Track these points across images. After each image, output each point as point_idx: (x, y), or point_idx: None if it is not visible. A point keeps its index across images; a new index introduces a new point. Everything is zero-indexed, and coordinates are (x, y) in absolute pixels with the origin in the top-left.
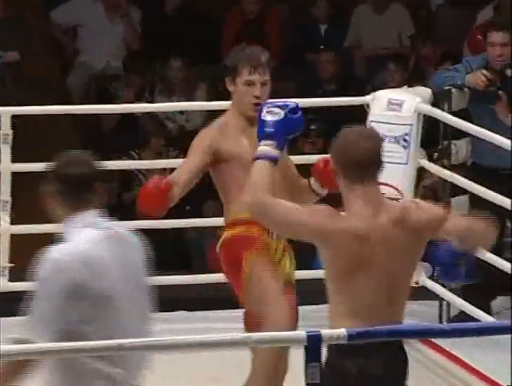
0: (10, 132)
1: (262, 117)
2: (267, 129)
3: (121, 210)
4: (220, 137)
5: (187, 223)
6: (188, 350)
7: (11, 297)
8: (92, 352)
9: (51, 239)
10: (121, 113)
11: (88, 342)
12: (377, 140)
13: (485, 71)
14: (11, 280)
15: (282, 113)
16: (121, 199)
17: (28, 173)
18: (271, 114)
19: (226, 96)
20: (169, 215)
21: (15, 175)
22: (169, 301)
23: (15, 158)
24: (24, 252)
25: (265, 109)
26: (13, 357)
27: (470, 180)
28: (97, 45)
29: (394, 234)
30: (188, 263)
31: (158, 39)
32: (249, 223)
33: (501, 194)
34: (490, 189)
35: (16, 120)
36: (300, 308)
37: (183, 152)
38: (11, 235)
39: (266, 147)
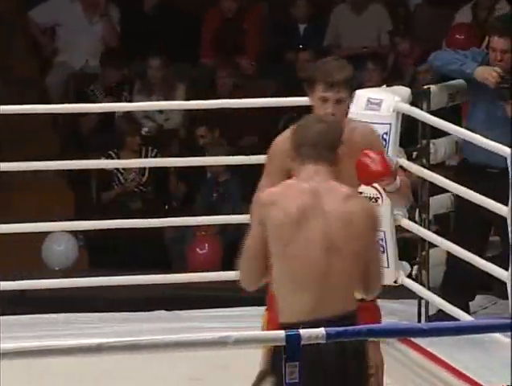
0: None
1: None
2: None
3: (100, 209)
4: None
5: (167, 222)
6: (168, 350)
7: None
8: (70, 353)
9: (29, 238)
10: (100, 113)
11: (66, 342)
12: (332, 125)
13: (497, 69)
14: None
15: None
16: (99, 199)
17: (7, 172)
18: None
19: (205, 95)
20: (148, 215)
21: None
22: (149, 300)
23: None
24: (1, 251)
25: None
26: None
27: (460, 177)
28: (75, 44)
29: (334, 214)
30: (168, 262)
31: (137, 38)
32: None
33: (490, 191)
34: (480, 186)
35: None
36: None
37: (161, 151)
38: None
39: None
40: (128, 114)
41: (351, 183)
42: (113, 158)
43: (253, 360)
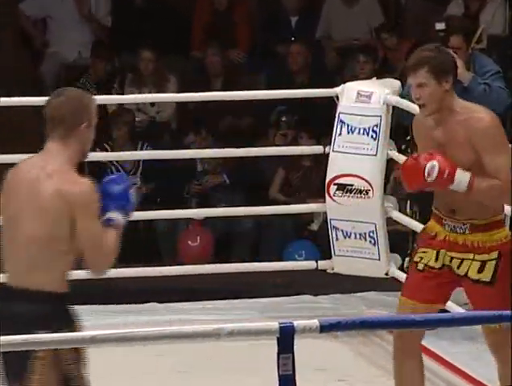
0: None
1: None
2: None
3: None
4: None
5: (158, 214)
6: (161, 341)
7: None
8: (64, 344)
9: None
10: None
11: (61, 334)
12: (71, 98)
13: None
14: None
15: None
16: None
17: (6, 164)
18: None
19: (195, 88)
20: (139, 207)
21: None
22: (140, 293)
23: None
24: None
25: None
26: None
27: None
28: (67, 36)
29: (41, 192)
30: (159, 255)
31: (128, 30)
32: None
33: None
34: None
35: None
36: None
37: (152, 143)
38: None
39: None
40: (121, 106)
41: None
42: (107, 151)
43: (238, 352)
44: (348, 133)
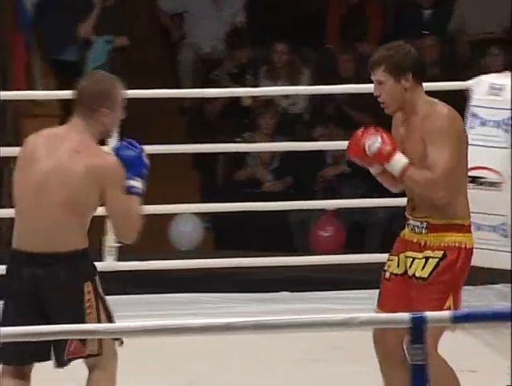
0: None
1: (143, 159)
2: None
3: (225, 192)
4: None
5: (291, 205)
6: (292, 330)
7: (117, 277)
8: (198, 332)
9: (160, 220)
10: (227, 97)
11: (194, 321)
12: (95, 82)
13: None
14: (118, 259)
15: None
16: (226, 181)
17: None
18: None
19: (329, 80)
20: (273, 198)
21: None
22: (273, 282)
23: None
24: None
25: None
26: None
27: None
28: (203, 30)
29: (69, 164)
30: (292, 245)
31: (262, 22)
32: None
33: None
34: None
35: (123, 103)
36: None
37: (287, 136)
38: None
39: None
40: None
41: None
42: (246, 141)
43: (368, 341)
44: (481, 126)
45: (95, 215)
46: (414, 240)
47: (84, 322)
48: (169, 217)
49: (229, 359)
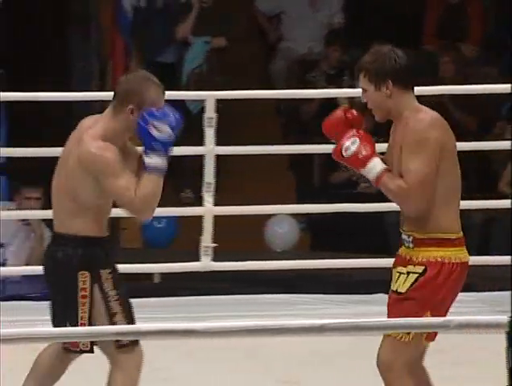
0: (215, 116)
1: (152, 133)
2: (157, 145)
3: (327, 190)
4: None
5: (388, 207)
6: (390, 332)
7: (214, 277)
8: (293, 333)
9: (256, 220)
10: (322, 98)
11: (289, 322)
12: (128, 80)
13: None
14: (214, 259)
15: (169, 130)
16: (328, 180)
17: (231, 155)
18: (159, 131)
19: (427, 81)
20: (370, 199)
21: (218, 158)
22: (368, 283)
23: (219, 142)
24: (226, 232)
25: (148, 124)
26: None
27: None
28: (300, 31)
29: (71, 151)
30: (387, 246)
31: (359, 24)
32: None
33: None
34: None
35: (220, 104)
36: None
37: (382, 137)
38: (214, 216)
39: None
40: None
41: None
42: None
43: (474, 345)
44: None
45: (188, 215)
46: (403, 255)
47: (76, 312)
48: (265, 218)
49: (324, 360)
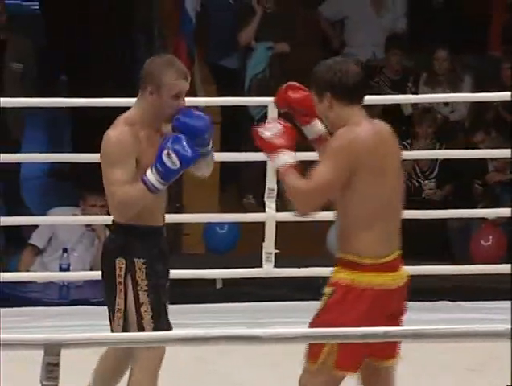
0: None
1: (163, 157)
2: (162, 169)
3: None
4: None
5: (452, 213)
6: (452, 340)
7: (276, 283)
8: (355, 339)
9: (314, 226)
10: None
11: (351, 329)
12: (147, 62)
13: None
14: (276, 265)
15: (178, 165)
16: None
17: None
18: (169, 159)
19: (490, 87)
20: (432, 206)
21: None
22: (432, 290)
23: None
24: (288, 238)
25: (166, 149)
26: None
27: None
28: (363, 36)
29: None
30: (450, 252)
31: (423, 29)
32: None
33: None
34: None
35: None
36: None
37: (446, 143)
38: (277, 222)
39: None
40: (420, 105)
41: None
42: (406, 149)
43: None
44: None
45: (251, 221)
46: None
47: (115, 298)
48: (327, 223)
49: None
